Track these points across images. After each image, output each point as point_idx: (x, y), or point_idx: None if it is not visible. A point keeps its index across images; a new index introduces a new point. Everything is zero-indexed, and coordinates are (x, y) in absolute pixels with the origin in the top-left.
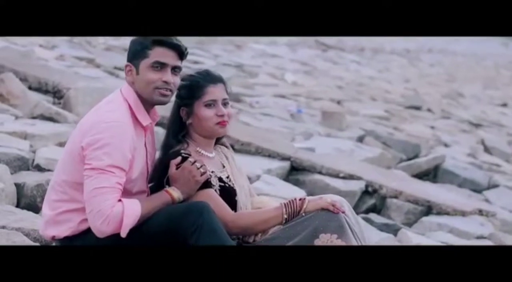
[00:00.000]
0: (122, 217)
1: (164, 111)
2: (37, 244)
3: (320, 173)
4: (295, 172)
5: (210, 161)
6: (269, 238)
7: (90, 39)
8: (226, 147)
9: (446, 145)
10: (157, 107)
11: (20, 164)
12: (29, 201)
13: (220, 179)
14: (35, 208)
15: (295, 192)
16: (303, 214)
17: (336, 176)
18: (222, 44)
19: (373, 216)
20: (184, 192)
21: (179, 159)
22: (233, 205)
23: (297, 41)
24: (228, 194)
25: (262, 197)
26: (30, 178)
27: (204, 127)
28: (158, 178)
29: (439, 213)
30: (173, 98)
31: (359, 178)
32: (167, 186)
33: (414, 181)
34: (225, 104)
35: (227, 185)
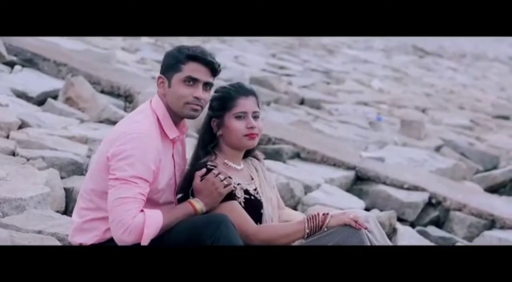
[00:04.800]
0: (143, 227)
1: None
2: None
3: (384, 183)
4: (360, 181)
5: (238, 173)
6: None
7: (175, 42)
8: (258, 159)
9: None
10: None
11: (74, 169)
12: None
13: (246, 191)
14: None
15: (353, 203)
16: (325, 229)
17: (401, 187)
18: (313, 49)
19: (430, 229)
20: (207, 203)
21: (203, 170)
22: (258, 217)
23: (394, 46)
24: (254, 206)
25: (290, 210)
26: (79, 183)
27: (233, 139)
28: (185, 189)
29: (502, 227)
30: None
31: (423, 190)
32: (191, 197)
33: (482, 194)
34: (255, 117)
35: (252, 197)
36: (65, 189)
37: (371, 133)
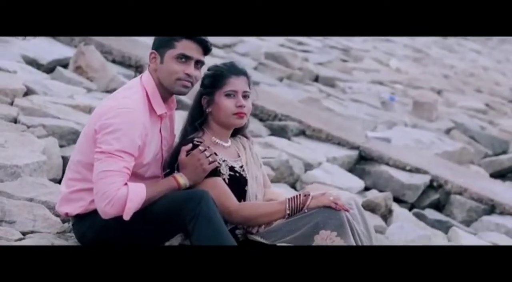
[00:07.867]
0: (126, 200)
1: None
2: (57, 218)
3: (387, 164)
4: (363, 161)
5: (225, 150)
6: (272, 230)
7: None
8: (247, 137)
9: None
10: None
11: (74, 138)
12: None
13: (232, 168)
14: None
15: (353, 182)
16: (306, 210)
17: (403, 168)
18: None
19: (428, 211)
20: (191, 178)
21: (189, 145)
22: (242, 194)
23: None
24: (238, 183)
25: (275, 189)
26: None
27: (221, 117)
28: (172, 163)
29: (501, 213)
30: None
31: (425, 172)
32: (176, 172)
33: (485, 179)
34: (245, 97)
35: (238, 174)
36: (63, 158)
37: (382, 113)
